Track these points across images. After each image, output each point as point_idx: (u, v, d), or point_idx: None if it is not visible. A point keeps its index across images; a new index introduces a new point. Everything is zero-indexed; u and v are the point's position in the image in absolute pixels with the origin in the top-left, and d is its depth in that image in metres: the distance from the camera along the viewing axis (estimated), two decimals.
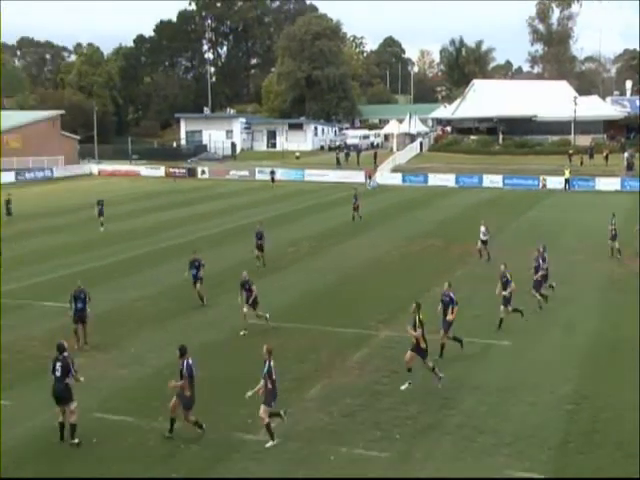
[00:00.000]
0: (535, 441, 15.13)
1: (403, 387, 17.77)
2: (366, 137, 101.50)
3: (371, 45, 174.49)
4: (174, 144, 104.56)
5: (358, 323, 23.26)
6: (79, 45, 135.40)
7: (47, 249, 36.99)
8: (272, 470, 13.96)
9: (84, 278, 29.20)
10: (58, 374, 15.16)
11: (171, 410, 15.28)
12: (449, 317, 19.82)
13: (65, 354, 15.34)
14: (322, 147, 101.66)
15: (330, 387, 18.08)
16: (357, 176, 70.74)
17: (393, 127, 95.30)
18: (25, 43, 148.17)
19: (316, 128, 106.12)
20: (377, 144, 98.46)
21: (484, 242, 32.60)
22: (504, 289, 22.24)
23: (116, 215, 49.03)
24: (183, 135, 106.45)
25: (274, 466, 14.11)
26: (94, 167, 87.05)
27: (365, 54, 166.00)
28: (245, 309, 22.38)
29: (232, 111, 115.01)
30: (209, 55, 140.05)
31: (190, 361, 15.31)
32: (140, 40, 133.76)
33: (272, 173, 71.36)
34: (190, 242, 38.63)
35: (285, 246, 36.79)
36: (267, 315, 22.77)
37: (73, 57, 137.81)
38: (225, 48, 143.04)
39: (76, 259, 34.23)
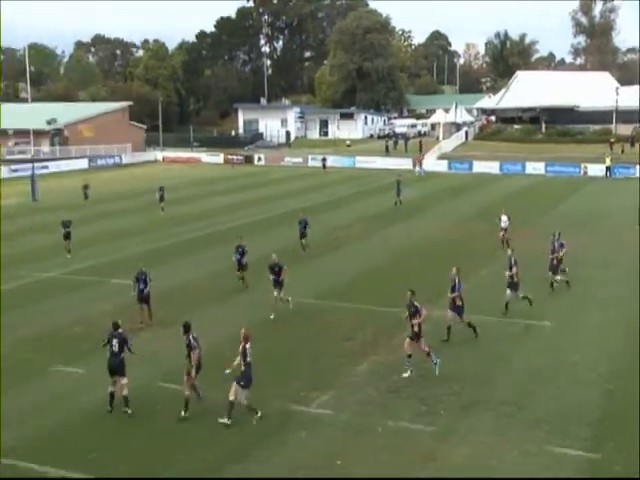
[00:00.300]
0: (575, 418, 14.83)
1: (405, 375, 16.96)
2: (413, 126, 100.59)
3: (419, 38, 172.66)
4: (232, 132, 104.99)
5: (403, 303, 22.99)
6: (146, 41, 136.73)
7: (117, 230, 37.59)
8: (324, 439, 13.96)
9: (150, 257, 29.78)
10: (115, 349, 15.42)
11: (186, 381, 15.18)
12: (458, 302, 19.29)
13: (120, 330, 15.60)
14: (372, 135, 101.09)
15: (377, 364, 17.98)
16: (404, 163, 70.17)
17: (439, 116, 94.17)
18: (98, 40, 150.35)
19: (366, 117, 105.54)
20: (424, 133, 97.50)
21: (504, 230, 31.48)
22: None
23: (178, 199, 49.58)
24: (241, 124, 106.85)
25: (326, 435, 14.11)
26: (159, 154, 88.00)
27: (413, 47, 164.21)
28: (275, 293, 21.86)
29: (287, 101, 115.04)
30: (266, 49, 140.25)
31: (195, 335, 15.32)
32: (202, 36, 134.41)
33: (324, 160, 71.22)
34: (246, 225, 38.90)
35: (336, 229, 36.70)
36: (289, 298, 22.12)
37: (141, 52, 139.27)
38: (281, 42, 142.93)
39: (143, 239, 34.72)
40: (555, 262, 24.38)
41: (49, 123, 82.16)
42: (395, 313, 21.87)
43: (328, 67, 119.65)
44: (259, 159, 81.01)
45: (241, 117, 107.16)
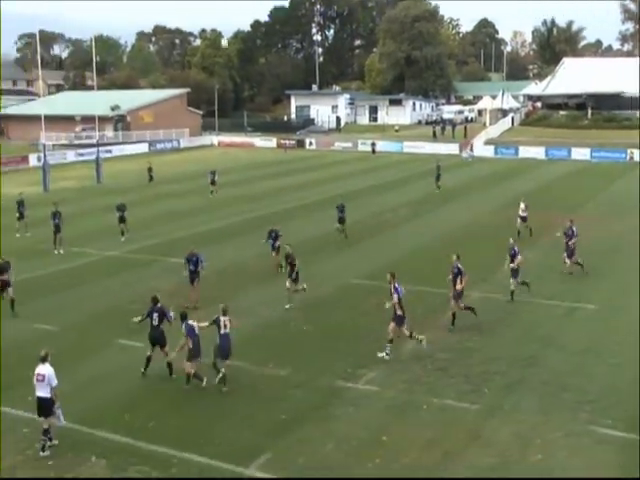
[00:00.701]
0: (618, 399, 14.44)
1: (380, 354, 16.53)
2: (461, 112, 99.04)
3: (466, 27, 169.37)
4: (285, 118, 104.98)
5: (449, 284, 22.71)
6: (203, 31, 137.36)
7: (177, 211, 37.99)
8: (370, 415, 13.88)
9: (206, 237, 30.06)
10: (155, 322, 15.76)
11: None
12: (458, 287, 18.61)
13: (159, 305, 15.97)
14: (419, 121, 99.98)
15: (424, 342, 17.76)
16: (451, 148, 69.20)
17: (486, 103, 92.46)
18: (159, 30, 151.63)
19: (414, 104, 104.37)
20: (471, 119, 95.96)
21: (523, 218, 29.54)
22: (512, 262, 20.86)
23: (233, 182, 49.88)
24: (293, 110, 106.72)
25: (372, 411, 14.02)
26: (214, 139, 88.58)
27: (461, 35, 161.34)
28: (288, 283, 20.93)
29: (337, 88, 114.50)
30: (317, 37, 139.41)
31: (190, 322, 15.28)
32: (256, 25, 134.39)
33: (373, 145, 70.69)
34: (297, 207, 38.95)
35: (384, 212, 36.43)
36: (304, 285, 21.05)
37: (198, 41, 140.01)
38: (332, 31, 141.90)
39: (200, 220, 35.03)
40: (571, 247, 23.68)
41: (113, 109, 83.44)
42: (442, 294, 21.60)
43: (377, 55, 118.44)
44: (310, 144, 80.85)
45: (293, 103, 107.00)
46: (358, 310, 20.48)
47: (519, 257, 20.90)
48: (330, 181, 50.09)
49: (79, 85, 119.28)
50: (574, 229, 23.83)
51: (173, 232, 31.88)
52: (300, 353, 17.12)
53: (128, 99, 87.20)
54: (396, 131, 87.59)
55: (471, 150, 65.28)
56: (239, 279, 24.13)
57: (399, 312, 16.48)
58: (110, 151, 69.75)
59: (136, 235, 31.45)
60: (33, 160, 62.11)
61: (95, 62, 74.17)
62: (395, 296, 16.51)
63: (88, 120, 77.98)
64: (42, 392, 12.53)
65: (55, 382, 12.62)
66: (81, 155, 67.08)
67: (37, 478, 11.63)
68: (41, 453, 12.45)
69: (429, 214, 36.17)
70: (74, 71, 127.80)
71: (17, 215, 31.38)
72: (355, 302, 21.21)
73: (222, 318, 15.44)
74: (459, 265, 19.02)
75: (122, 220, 30.75)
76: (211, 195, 42.79)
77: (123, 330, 18.54)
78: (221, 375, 15.10)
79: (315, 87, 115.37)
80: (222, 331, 15.30)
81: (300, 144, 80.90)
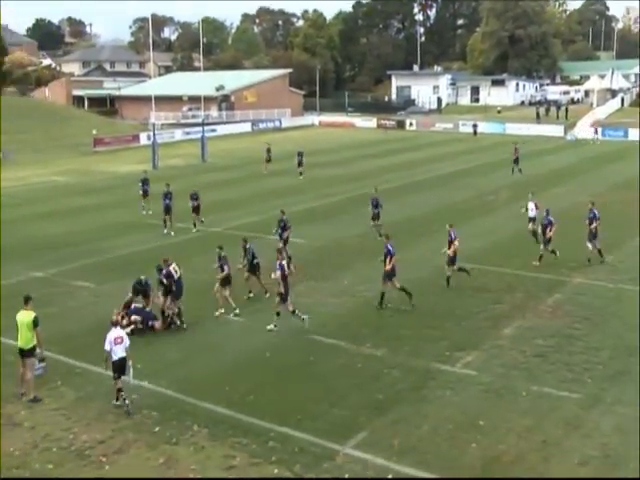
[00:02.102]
0: None
1: (268, 327, 17.20)
2: (566, 93, 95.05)
3: (574, 4, 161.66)
4: (385, 98, 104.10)
5: (552, 269, 21.95)
6: (306, 11, 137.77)
7: (277, 189, 38.45)
8: (467, 399, 13.59)
9: (305, 216, 30.26)
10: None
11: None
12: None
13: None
14: (522, 102, 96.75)
15: (523, 328, 17.25)
16: (555, 130, 66.54)
17: (594, 83, 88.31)
18: (262, 12, 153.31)
19: (517, 84, 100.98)
20: (577, 100, 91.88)
21: (532, 220, 25.10)
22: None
23: (333, 161, 49.99)
24: (394, 90, 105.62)
25: (469, 395, 13.73)
26: (315, 118, 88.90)
27: (567, 12, 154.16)
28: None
29: (439, 68, 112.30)
30: (419, 17, 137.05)
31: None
32: (358, 5, 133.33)
33: (475, 126, 68.96)
34: (396, 187, 38.57)
35: (485, 194, 35.54)
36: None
37: (301, 22, 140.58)
38: (434, 10, 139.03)
39: (298, 199, 35.25)
40: (594, 232, 22.36)
41: (217, 90, 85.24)
42: (545, 280, 20.91)
43: (480, 34, 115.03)
44: (411, 124, 79.83)
45: (394, 83, 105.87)
46: (455, 292, 20.09)
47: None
48: (430, 162, 49.35)
49: (186, 66, 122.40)
50: (595, 212, 22.52)
51: (273, 210, 32.20)
52: (397, 334, 16.98)
53: (232, 79, 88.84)
54: (498, 112, 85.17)
55: (580, 132, 62.50)
56: (339, 258, 24.16)
57: (281, 290, 17.13)
58: (215, 130, 71.29)
59: (238, 212, 32.07)
60: (143, 139, 64.37)
61: (202, 44, 75.95)
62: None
63: (194, 100, 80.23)
64: (121, 353, 13.40)
65: (129, 342, 13.63)
66: (187, 134, 68.95)
67: (40, 478, 11.53)
68: (116, 402, 13.47)
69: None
70: (182, 53, 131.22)
71: (141, 192, 31.69)
72: (453, 284, 20.79)
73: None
74: (452, 232, 20.23)
75: (195, 210, 29.55)
76: (300, 177, 41.92)
77: (225, 305, 18.84)
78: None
79: (416, 67, 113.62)
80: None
81: (400, 125, 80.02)
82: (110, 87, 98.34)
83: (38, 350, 13.76)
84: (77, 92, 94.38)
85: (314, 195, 36.47)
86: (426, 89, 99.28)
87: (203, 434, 12.48)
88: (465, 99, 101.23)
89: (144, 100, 79.64)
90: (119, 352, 13.37)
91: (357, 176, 42.95)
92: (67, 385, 14.42)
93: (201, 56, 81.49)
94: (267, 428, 12.62)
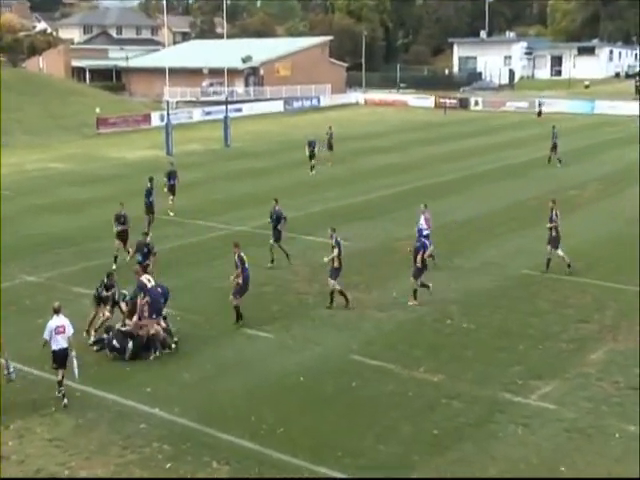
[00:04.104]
0: None
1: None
2: None
3: None
4: (446, 72, 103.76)
5: None
6: None
7: (312, 181, 38.56)
8: (545, 439, 13.43)
9: (346, 213, 30.28)
10: None
11: None
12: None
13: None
14: (617, 74, 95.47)
15: (615, 352, 17.00)
16: None
17: None
18: None
19: (611, 52, 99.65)
20: None
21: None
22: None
23: (381, 148, 49.96)
24: (456, 62, 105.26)
25: (547, 435, 13.57)
26: (360, 96, 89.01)
27: None
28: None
29: (512, 34, 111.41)
30: None
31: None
32: None
33: (540, 105, 67.70)
34: (456, 180, 38.38)
35: (568, 188, 35.10)
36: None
37: None
38: None
39: (339, 192, 35.31)
40: (554, 234, 22.35)
41: (244, 61, 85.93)
42: (637, 292, 20.58)
43: None
44: (476, 103, 79.40)
45: (456, 53, 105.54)
46: (530, 307, 19.91)
47: (335, 251, 19.80)
48: (500, 148, 49.00)
49: (207, 33, 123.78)
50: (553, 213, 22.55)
51: (308, 206, 32.36)
52: (458, 356, 16.90)
53: (262, 49, 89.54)
54: (586, 87, 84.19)
55: None
56: (387, 264, 24.13)
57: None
58: (240, 109, 72.00)
59: (267, 208, 32.16)
60: (156, 119, 65.31)
61: (225, 6, 76.50)
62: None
63: (216, 73, 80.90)
64: (62, 344, 14.66)
65: (72, 330, 14.86)
66: (208, 114, 69.71)
67: (44, 478, 12.26)
68: (57, 394, 14.69)
69: (624, 191, 34.46)
70: (202, 17, 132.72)
71: (166, 189, 31.29)
72: (527, 297, 20.62)
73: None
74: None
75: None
76: (311, 172, 40.35)
77: (252, 318, 19.03)
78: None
79: (484, 34, 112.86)
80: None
81: (463, 104, 79.70)
82: (116, 57, 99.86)
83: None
84: (77, 63, 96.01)
85: (358, 188, 36.49)
86: (495, 60, 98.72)
87: (224, 472, 12.57)
88: (544, 72, 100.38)
89: (156, 73, 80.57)
90: (60, 342, 14.61)
91: (410, 166, 42.86)
92: (63, 411, 14.64)
93: (224, 21, 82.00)
94: (300, 466, 12.66)
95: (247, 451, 13.16)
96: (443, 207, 31.48)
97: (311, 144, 41.12)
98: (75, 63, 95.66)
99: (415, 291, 19.97)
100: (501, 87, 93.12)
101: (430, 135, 57.23)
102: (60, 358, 14.67)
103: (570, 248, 24.99)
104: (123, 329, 17.18)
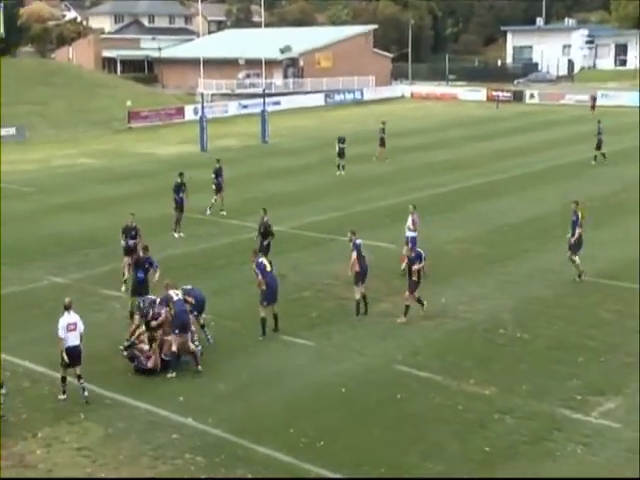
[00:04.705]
0: None
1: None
2: None
3: None
4: (498, 62, 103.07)
5: None
6: None
7: (354, 179, 38.55)
8: (606, 459, 13.29)
9: (390, 214, 30.23)
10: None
11: None
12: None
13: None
14: None
15: None
16: None
17: None
18: None
19: None
20: None
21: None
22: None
23: (428, 144, 49.81)
24: (509, 52, 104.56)
25: (608, 454, 13.42)
26: (407, 89, 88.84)
27: None
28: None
29: (571, 21, 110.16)
30: None
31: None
32: None
33: (593, 98, 66.55)
34: (509, 179, 38.14)
35: (620, 191, 34.62)
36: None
37: None
38: None
39: (382, 191, 35.23)
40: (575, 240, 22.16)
41: (283, 52, 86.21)
42: None
43: None
44: (531, 96, 78.79)
45: (510, 43, 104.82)
46: (589, 317, 19.71)
47: (353, 255, 19.71)
48: (558, 145, 48.59)
49: (244, 22, 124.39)
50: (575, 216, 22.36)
51: (350, 206, 32.37)
52: (511, 368, 16.80)
53: (301, 39, 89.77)
54: None
55: None
56: (435, 269, 23.96)
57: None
58: (278, 103, 72.23)
59: (306, 207, 32.36)
60: (189, 113, 65.88)
61: None
62: (354, 254, 19.39)
63: (253, 64, 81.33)
64: (75, 341, 15.37)
65: (83, 327, 15.61)
66: (244, 107, 70.12)
67: (46, 478, 12.62)
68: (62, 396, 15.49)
69: None
70: (238, 5, 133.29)
71: (214, 187, 31.27)
72: (586, 306, 20.42)
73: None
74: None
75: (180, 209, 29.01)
76: (339, 172, 39.76)
77: (290, 324, 19.11)
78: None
79: (540, 21, 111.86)
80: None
81: (517, 97, 79.16)
82: (149, 47, 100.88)
83: None
84: (108, 53, 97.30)
85: (404, 187, 36.38)
86: (553, 49, 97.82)
87: None
88: (607, 61, 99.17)
89: (190, 64, 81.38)
90: (73, 339, 15.31)
91: (460, 164, 42.66)
92: (92, 419, 14.87)
93: (262, 9, 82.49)
94: None
95: (284, 465, 13.24)
96: (495, 208, 31.39)
97: (341, 140, 40.35)
98: (106, 53, 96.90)
99: (407, 306, 19.47)
100: (559, 79, 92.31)
101: (481, 131, 56.87)
102: (74, 355, 15.30)
103: (633, 253, 24.70)
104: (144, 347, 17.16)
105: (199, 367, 16.75)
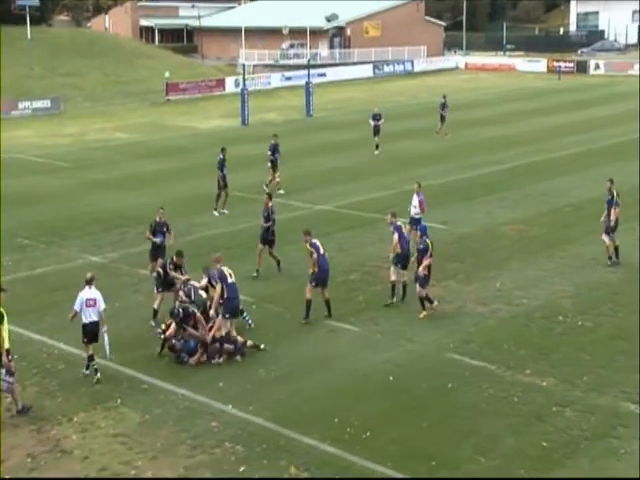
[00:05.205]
0: None
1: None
2: None
3: None
4: (561, 30, 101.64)
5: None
6: None
7: (405, 155, 38.42)
8: None
9: (442, 193, 30.07)
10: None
11: None
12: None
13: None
14: None
15: None
16: None
17: None
18: None
19: None
20: None
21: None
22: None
23: (483, 119, 49.42)
24: (573, 19, 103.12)
25: None
26: (460, 60, 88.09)
27: None
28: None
29: None
30: None
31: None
32: None
33: None
34: (571, 156, 37.69)
35: None
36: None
37: None
38: None
39: (433, 169, 35.07)
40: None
41: (329, 20, 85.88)
42: None
43: None
44: (596, 67, 77.72)
45: (574, 9, 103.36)
46: None
47: (395, 236, 19.53)
48: (623, 120, 47.76)
49: None
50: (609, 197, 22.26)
51: (400, 184, 32.19)
52: (571, 358, 16.66)
53: (349, 7, 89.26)
54: None
55: None
56: (490, 252, 23.91)
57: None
58: (324, 74, 72.15)
59: (353, 185, 32.30)
60: (230, 85, 66.02)
61: None
62: (395, 236, 19.27)
63: (298, 34, 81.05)
64: (93, 317, 15.77)
65: (104, 305, 15.91)
66: (288, 79, 70.11)
67: (48, 478, 12.74)
68: (85, 371, 16.02)
69: None
70: None
71: (269, 164, 31.31)
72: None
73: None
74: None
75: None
76: (376, 152, 38.75)
77: (335, 309, 19.11)
78: None
79: None
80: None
81: (581, 67, 78.13)
82: (188, 16, 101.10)
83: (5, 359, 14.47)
84: (145, 22, 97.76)
85: (459, 165, 36.21)
86: (621, 16, 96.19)
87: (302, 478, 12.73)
88: None
89: (231, 33, 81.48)
90: (91, 315, 15.72)
91: (518, 140, 42.31)
92: (129, 405, 15.06)
93: None
94: (389, 476, 12.71)
95: (328, 457, 13.28)
96: (555, 187, 31.08)
97: (375, 117, 39.26)
98: (143, 22, 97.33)
99: (422, 300, 18.90)
100: (628, 48, 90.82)
101: (541, 104, 56.28)
102: (90, 332, 15.72)
103: None
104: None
105: (238, 357, 16.79)
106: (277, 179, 31.28)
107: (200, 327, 16.81)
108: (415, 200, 23.18)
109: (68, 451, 13.49)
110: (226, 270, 17.07)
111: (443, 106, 43.36)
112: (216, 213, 28.35)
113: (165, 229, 20.75)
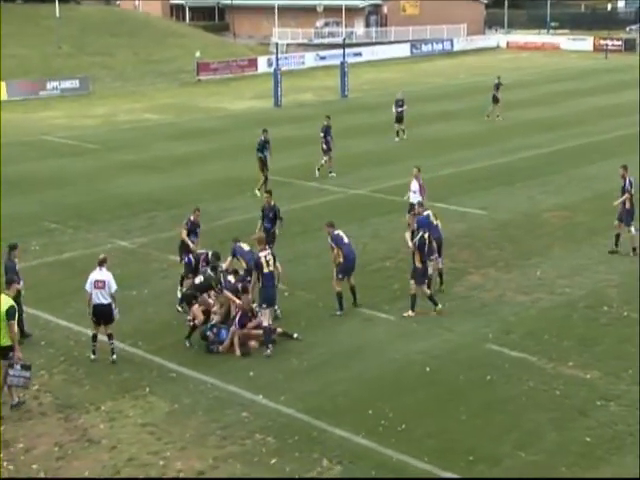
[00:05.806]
0: None
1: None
2: None
3: None
4: (608, 7, 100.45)
5: None
6: None
7: (442, 138, 38.26)
8: None
9: (480, 178, 29.86)
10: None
11: None
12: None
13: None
14: None
15: None
16: None
17: None
18: None
19: None
20: None
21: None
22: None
23: (525, 100, 49.04)
24: None
25: None
26: (502, 38, 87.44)
27: None
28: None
29: None
30: None
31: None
32: None
33: None
34: (616, 139, 37.30)
35: None
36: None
37: None
38: None
39: (473, 153, 34.88)
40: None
41: None
42: None
43: None
44: None
45: None
46: None
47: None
48: None
49: None
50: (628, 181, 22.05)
51: (437, 168, 32.01)
52: (616, 350, 16.52)
53: None
54: None
55: None
56: (531, 239, 23.72)
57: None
58: (360, 54, 71.85)
59: (390, 169, 32.17)
60: (263, 64, 65.99)
61: None
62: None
63: (333, 12, 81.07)
64: (101, 299, 16.07)
65: (115, 287, 16.17)
66: (322, 59, 69.88)
67: (43, 478, 12.69)
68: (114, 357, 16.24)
69: None
70: None
71: (324, 146, 31.13)
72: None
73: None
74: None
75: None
76: (397, 139, 38.52)
77: (370, 297, 19.09)
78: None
79: None
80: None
81: (629, 46, 77.40)
82: None
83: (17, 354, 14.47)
84: (176, 0, 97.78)
85: (498, 148, 35.97)
86: None
87: (335, 472, 12.71)
88: None
89: (264, 11, 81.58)
90: (99, 297, 16.06)
91: (562, 122, 41.97)
92: (158, 394, 15.14)
93: None
94: (425, 470, 12.68)
95: (362, 449, 13.27)
96: (600, 172, 30.73)
97: (398, 103, 38.45)
98: (173, 0, 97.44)
99: (414, 299, 18.29)
100: None
101: (587, 85, 55.79)
102: (100, 314, 16.11)
103: None
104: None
105: (269, 351, 16.61)
106: (328, 162, 31.29)
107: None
108: (415, 185, 23.04)
109: (96, 440, 13.60)
110: (263, 258, 16.86)
111: (497, 87, 43.08)
112: (258, 193, 27.98)
113: (198, 229, 20.40)
